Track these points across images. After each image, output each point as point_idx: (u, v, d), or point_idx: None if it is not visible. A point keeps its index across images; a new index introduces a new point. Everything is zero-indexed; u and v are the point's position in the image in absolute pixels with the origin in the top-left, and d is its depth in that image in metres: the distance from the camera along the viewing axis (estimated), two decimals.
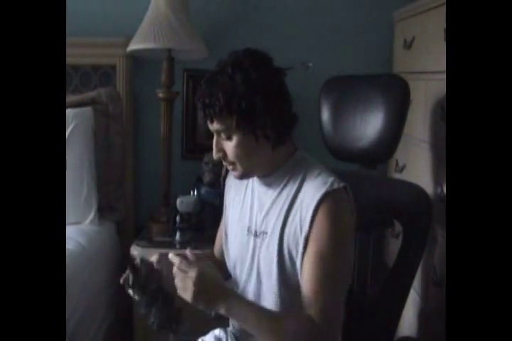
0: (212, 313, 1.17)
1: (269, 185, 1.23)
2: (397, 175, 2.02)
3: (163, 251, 1.73)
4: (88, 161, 2.10)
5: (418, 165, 1.84)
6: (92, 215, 2.09)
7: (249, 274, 1.26)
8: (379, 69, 2.23)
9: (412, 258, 1.44)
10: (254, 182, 1.28)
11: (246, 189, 1.31)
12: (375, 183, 1.62)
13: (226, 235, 1.35)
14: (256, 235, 1.24)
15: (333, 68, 2.15)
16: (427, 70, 1.78)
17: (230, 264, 1.34)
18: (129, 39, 2.10)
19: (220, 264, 1.40)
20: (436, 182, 1.65)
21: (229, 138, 1.16)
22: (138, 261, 1.21)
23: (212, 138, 1.21)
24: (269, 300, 1.22)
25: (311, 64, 2.08)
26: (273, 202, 1.22)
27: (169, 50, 2.09)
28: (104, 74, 2.32)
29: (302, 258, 1.14)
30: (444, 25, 1.44)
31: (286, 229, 1.17)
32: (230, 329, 1.37)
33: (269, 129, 1.15)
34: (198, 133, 2.33)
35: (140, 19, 2.08)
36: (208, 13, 2.30)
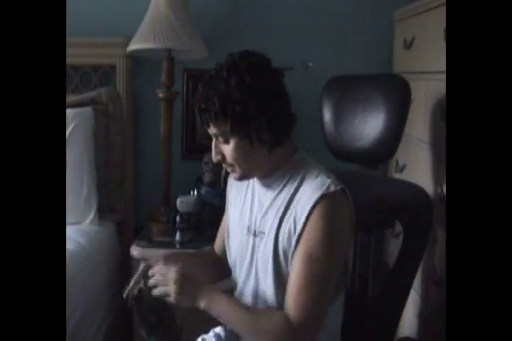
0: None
1: (268, 186, 1.24)
2: (397, 175, 2.02)
3: (163, 251, 1.74)
4: (88, 161, 2.10)
5: (418, 165, 1.84)
6: (92, 215, 2.09)
7: (248, 273, 1.27)
8: (379, 69, 2.24)
9: (413, 258, 1.43)
10: (254, 183, 1.29)
11: (247, 189, 1.31)
12: (376, 183, 1.62)
13: (228, 233, 1.36)
14: (255, 235, 1.25)
15: (333, 68, 2.15)
16: (427, 70, 1.78)
17: (230, 262, 1.35)
18: (129, 39, 2.10)
19: (219, 261, 1.41)
20: (436, 182, 1.65)
21: (226, 141, 1.17)
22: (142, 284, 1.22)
23: (212, 139, 1.21)
24: (266, 299, 1.22)
25: (311, 64, 2.08)
26: (271, 203, 1.22)
27: (169, 50, 2.09)
28: (104, 74, 2.32)
29: (293, 258, 1.15)
30: (444, 25, 1.44)
31: (282, 229, 1.18)
32: (230, 327, 1.37)
33: (264, 133, 1.15)
34: (198, 133, 2.34)
35: (140, 19, 2.08)
36: (208, 13, 2.30)
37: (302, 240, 1.14)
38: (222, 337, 1.35)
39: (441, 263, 1.57)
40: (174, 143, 2.23)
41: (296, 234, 1.15)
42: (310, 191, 1.15)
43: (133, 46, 2.07)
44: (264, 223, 1.23)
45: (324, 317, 1.15)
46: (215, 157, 1.21)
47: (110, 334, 2.03)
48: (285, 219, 1.18)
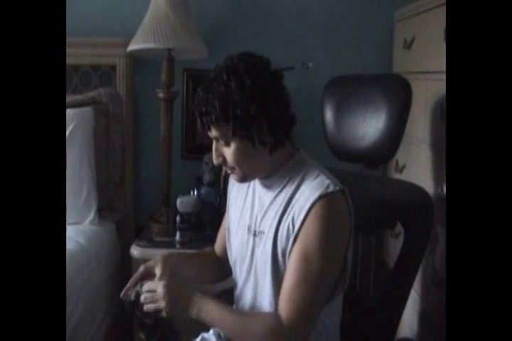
0: None
1: (269, 186, 1.24)
2: (397, 175, 2.02)
3: (163, 251, 1.74)
4: (88, 161, 2.10)
5: (418, 165, 1.84)
6: (91, 215, 2.09)
7: (248, 273, 1.27)
8: (379, 69, 2.24)
9: (413, 258, 1.43)
10: (255, 183, 1.29)
11: (248, 189, 1.32)
12: (376, 183, 1.62)
13: (229, 232, 1.36)
14: (255, 234, 1.25)
15: (333, 68, 2.15)
16: (427, 70, 1.78)
17: (231, 262, 1.35)
18: (129, 39, 2.10)
19: (219, 262, 1.42)
20: (437, 182, 1.65)
21: (227, 144, 1.17)
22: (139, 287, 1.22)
23: (213, 141, 1.21)
24: (265, 300, 1.22)
25: (311, 64, 2.08)
26: (271, 203, 1.22)
27: (169, 50, 2.09)
28: (104, 74, 2.32)
29: (289, 257, 1.15)
30: (444, 25, 1.44)
31: (280, 229, 1.18)
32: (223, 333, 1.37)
33: (265, 134, 1.15)
34: (198, 133, 2.34)
35: (140, 19, 2.08)
36: (208, 13, 2.30)
37: (299, 239, 1.14)
38: (222, 335, 1.35)
39: (441, 264, 1.57)
40: (174, 143, 2.23)
41: (294, 233, 1.15)
42: (309, 191, 1.15)
43: (133, 46, 2.07)
44: (263, 223, 1.23)
45: (318, 317, 1.15)
46: (215, 160, 1.21)
47: (110, 334, 2.03)
48: (284, 219, 1.18)
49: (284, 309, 1.12)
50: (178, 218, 2.02)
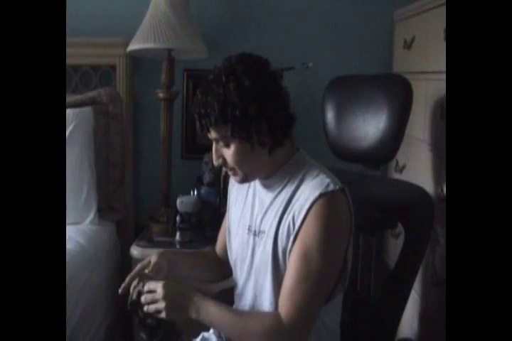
0: None
1: (269, 186, 1.24)
2: (397, 175, 2.02)
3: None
4: (88, 161, 2.10)
5: (418, 165, 1.84)
6: (91, 215, 2.08)
7: (249, 273, 1.27)
8: (379, 69, 2.24)
9: (414, 258, 1.43)
10: (255, 183, 1.29)
11: (248, 189, 1.32)
12: (377, 183, 1.62)
13: (229, 232, 1.36)
14: (255, 234, 1.25)
15: (333, 68, 2.15)
16: (427, 70, 1.78)
17: (231, 262, 1.35)
18: (129, 39, 2.10)
19: (220, 261, 1.42)
20: (437, 182, 1.65)
21: (227, 145, 1.17)
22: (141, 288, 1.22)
23: (212, 142, 1.21)
24: (266, 299, 1.22)
25: (311, 64, 2.08)
26: (272, 202, 1.23)
27: (169, 50, 2.09)
28: (104, 74, 2.32)
29: (289, 256, 1.16)
30: (444, 25, 1.44)
31: (280, 228, 1.18)
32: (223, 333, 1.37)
33: (265, 135, 1.16)
34: (197, 133, 2.33)
35: (140, 19, 2.08)
36: (208, 13, 2.30)
37: (299, 238, 1.14)
38: (223, 335, 1.35)
39: (441, 264, 1.57)
40: (174, 143, 2.23)
41: (294, 231, 1.15)
42: (309, 190, 1.15)
43: (133, 46, 2.07)
44: (264, 222, 1.23)
45: (317, 315, 1.15)
46: (216, 161, 1.21)
47: (110, 334, 2.03)
48: (284, 218, 1.18)
49: (284, 308, 1.12)
50: (178, 218, 2.02)
